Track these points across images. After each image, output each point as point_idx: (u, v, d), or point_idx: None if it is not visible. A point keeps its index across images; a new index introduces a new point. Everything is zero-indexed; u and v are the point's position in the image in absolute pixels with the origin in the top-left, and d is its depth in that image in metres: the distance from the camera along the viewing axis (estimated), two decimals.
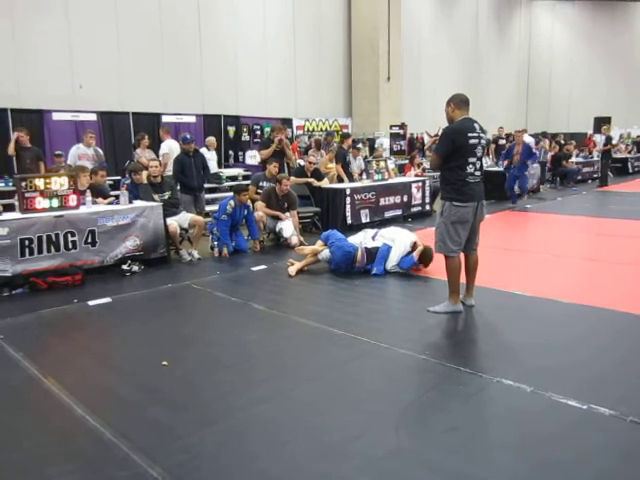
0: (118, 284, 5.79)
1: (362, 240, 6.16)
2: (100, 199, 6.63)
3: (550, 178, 15.56)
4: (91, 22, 11.50)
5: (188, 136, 8.09)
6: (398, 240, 6.02)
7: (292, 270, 6.06)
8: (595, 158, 16.86)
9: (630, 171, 19.04)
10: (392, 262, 5.91)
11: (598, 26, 27.28)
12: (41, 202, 5.78)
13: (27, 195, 5.71)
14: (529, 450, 2.56)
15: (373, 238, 6.17)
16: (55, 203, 5.86)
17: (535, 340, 3.95)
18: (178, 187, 7.72)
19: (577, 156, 17.24)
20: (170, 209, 6.90)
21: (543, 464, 2.45)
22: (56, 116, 10.87)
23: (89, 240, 5.93)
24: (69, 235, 5.78)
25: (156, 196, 6.93)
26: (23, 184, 5.72)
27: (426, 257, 5.89)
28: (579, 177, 15.80)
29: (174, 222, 6.83)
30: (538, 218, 10.02)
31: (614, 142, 16.73)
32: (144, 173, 7.39)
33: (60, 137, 10.64)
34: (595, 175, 16.51)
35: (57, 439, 2.76)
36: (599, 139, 15.79)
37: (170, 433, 2.77)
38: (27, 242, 5.48)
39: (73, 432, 2.82)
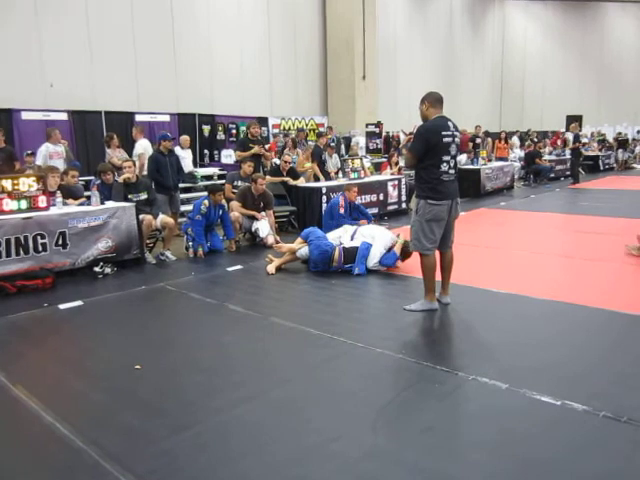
0: (90, 287, 5.67)
1: (341, 237, 6.13)
2: (71, 200, 6.48)
3: (524, 176, 15.79)
4: (61, 19, 11.24)
5: (169, 134, 7.97)
6: (378, 237, 6.00)
7: (271, 268, 6.01)
8: (567, 156, 17.13)
9: (601, 168, 19.41)
10: (374, 259, 5.87)
11: (570, 26, 27.76)
12: (9, 204, 5.62)
13: None
14: (505, 448, 2.57)
15: (352, 237, 6.14)
16: (24, 205, 5.71)
17: (511, 338, 3.98)
18: (153, 186, 7.57)
19: (550, 154, 17.49)
20: (144, 208, 6.77)
21: (519, 461, 2.46)
22: (26, 115, 10.56)
23: (60, 242, 5.79)
24: (39, 237, 5.63)
25: (131, 196, 6.80)
26: None
27: (407, 250, 5.88)
28: (552, 175, 16.04)
29: (150, 216, 6.71)
30: (512, 215, 10.14)
31: (584, 140, 16.98)
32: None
33: (30, 137, 10.33)
34: (567, 173, 16.78)
35: (25, 448, 2.68)
36: (570, 137, 16.01)
37: (144, 438, 2.71)
38: None
39: (42, 440, 2.74)
